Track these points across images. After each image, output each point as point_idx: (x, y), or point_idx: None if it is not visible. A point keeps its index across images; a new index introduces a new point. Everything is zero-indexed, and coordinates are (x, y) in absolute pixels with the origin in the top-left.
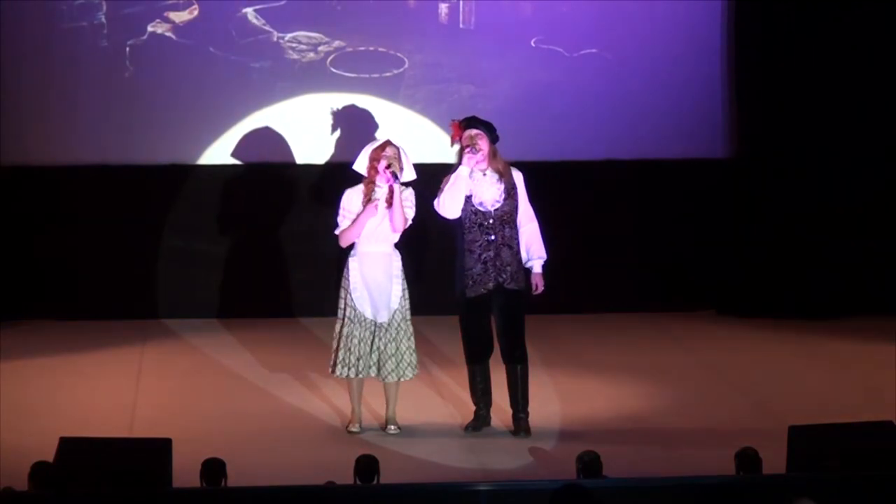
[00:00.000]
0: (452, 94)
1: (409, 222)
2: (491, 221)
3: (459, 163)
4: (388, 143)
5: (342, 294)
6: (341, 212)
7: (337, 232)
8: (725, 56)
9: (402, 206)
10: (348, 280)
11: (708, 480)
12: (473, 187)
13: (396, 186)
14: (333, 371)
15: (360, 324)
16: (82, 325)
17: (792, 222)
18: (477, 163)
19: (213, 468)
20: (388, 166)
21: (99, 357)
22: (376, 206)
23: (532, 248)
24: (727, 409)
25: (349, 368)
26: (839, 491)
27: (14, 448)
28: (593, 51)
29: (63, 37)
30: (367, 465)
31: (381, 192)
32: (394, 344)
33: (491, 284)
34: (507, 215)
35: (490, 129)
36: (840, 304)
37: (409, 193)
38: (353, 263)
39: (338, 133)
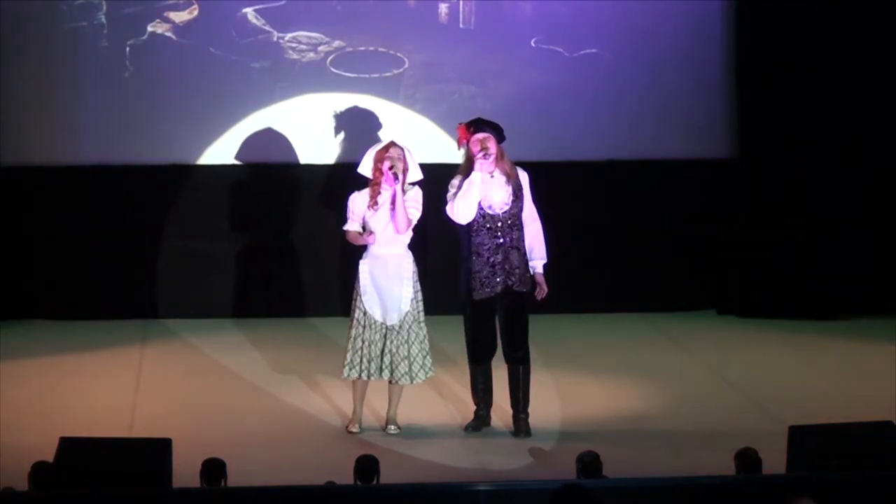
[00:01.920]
0: (452, 94)
1: (414, 222)
2: (500, 224)
3: (469, 168)
4: (392, 143)
5: (354, 296)
6: (348, 213)
7: (344, 229)
8: (725, 56)
9: (404, 208)
10: (359, 282)
11: (708, 480)
12: (483, 190)
13: (398, 188)
14: (342, 371)
15: (370, 326)
16: (82, 325)
17: (792, 222)
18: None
19: (213, 468)
20: (391, 167)
21: (99, 357)
22: (374, 237)
23: (534, 249)
24: (727, 409)
25: (359, 371)
26: (839, 491)
27: (14, 448)
28: (593, 51)
29: (63, 37)
30: (367, 465)
31: (386, 194)
32: (405, 347)
33: (499, 287)
34: (515, 217)
35: (497, 130)
36: (840, 305)
37: (416, 193)
38: (363, 266)
39: (338, 133)
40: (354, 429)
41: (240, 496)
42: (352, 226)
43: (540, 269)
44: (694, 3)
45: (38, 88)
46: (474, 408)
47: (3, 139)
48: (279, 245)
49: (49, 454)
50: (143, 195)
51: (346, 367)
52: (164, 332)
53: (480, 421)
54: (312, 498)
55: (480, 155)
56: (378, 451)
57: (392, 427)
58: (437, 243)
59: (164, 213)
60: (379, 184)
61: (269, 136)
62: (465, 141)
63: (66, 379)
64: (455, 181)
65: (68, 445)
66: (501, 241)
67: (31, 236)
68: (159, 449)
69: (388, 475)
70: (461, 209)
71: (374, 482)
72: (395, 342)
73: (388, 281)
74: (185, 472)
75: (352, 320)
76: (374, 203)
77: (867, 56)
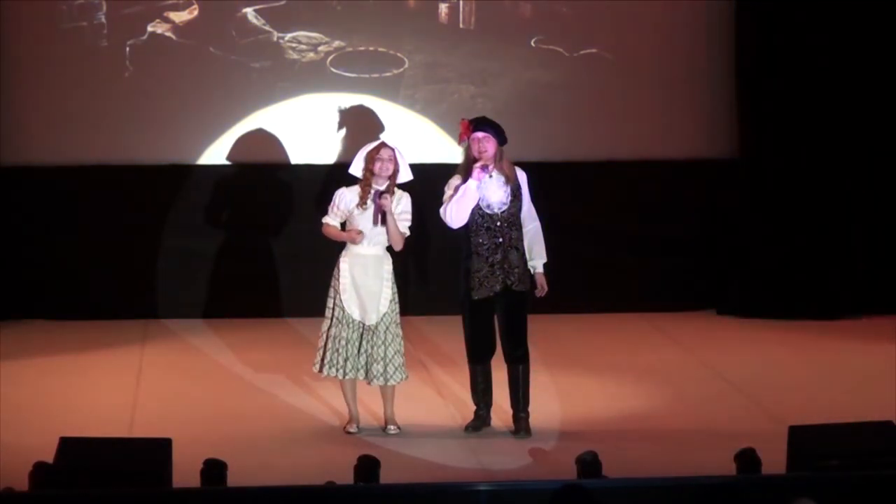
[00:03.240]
0: (452, 94)
1: (408, 233)
2: (498, 224)
3: (468, 168)
4: (382, 144)
5: (331, 293)
6: (331, 206)
7: (323, 221)
8: (725, 56)
9: (398, 229)
10: (338, 280)
11: (708, 480)
12: (481, 190)
13: (389, 216)
14: (320, 370)
15: (348, 325)
16: (82, 325)
17: (792, 222)
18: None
19: (214, 468)
20: (380, 195)
21: (99, 357)
22: (357, 238)
23: (534, 248)
24: (727, 409)
25: (336, 369)
26: (839, 491)
27: (14, 448)
28: (593, 51)
29: (63, 37)
30: (367, 465)
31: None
32: (382, 347)
33: (498, 287)
34: (513, 217)
35: (498, 131)
36: (840, 305)
37: (406, 202)
38: (343, 264)
39: (338, 133)
40: (352, 429)
41: (240, 496)
42: (332, 219)
43: (540, 269)
44: (694, 3)
45: (39, 88)
46: (474, 408)
47: (3, 139)
48: (279, 245)
49: (49, 454)
50: (143, 195)
51: (327, 366)
52: (164, 332)
53: (480, 421)
54: (312, 498)
55: (478, 168)
56: (378, 451)
57: (392, 427)
58: (437, 243)
59: (164, 213)
60: (369, 184)
61: (269, 136)
62: (465, 137)
63: (66, 379)
64: (453, 181)
65: (68, 445)
66: (500, 240)
67: (31, 236)
68: (159, 449)
69: (388, 475)
70: (454, 214)
71: (375, 482)
72: (371, 342)
73: (369, 280)
74: (185, 472)
75: (330, 318)
76: (363, 202)
77: (867, 55)
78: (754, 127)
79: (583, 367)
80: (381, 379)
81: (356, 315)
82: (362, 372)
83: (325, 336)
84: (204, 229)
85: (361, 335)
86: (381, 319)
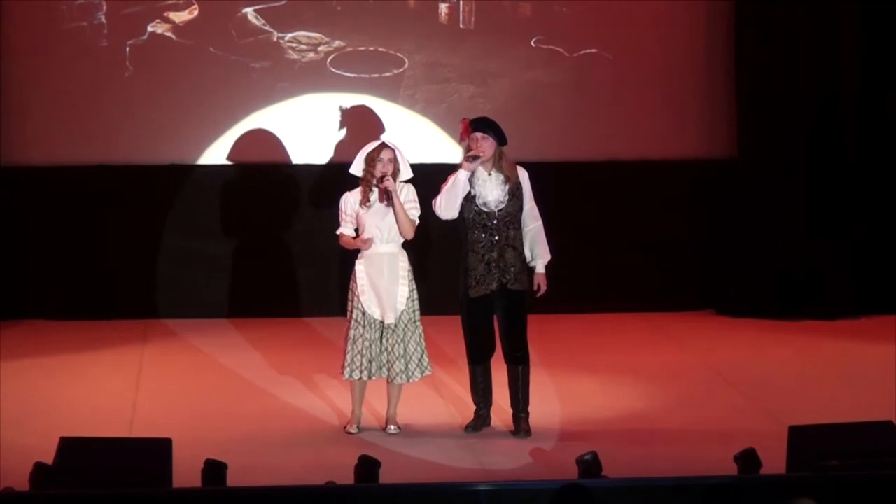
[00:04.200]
0: (452, 94)
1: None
2: (495, 222)
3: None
4: (383, 145)
5: (350, 297)
6: (340, 215)
7: (337, 232)
8: (725, 56)
9: (406, 215)
10: (356, 283)
11: (708, 480)
12: (478, 187)
13: (395, 198)
14: (343, 374)
15: (369, 326)
16: (82, 325)
17: (791, 222)
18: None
19: (214, 469)
20: (382, 179)
21: (99, 357)
22: (366, 245)
23: (536, 248)
24: (727, 409)
25: (361, 371)
26: (839, 491)
27: (14, 448)
28: (593, 51)
29: (63, 37)
30: (367, 466)
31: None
32: (401, 345)
33: (494, 285)
34: (511, 216)
35: (498, 132)
36: (840, 304)
37: (408, 192)
38: (359, 266)
39: (338, 133)
40: (352, 429)
41: (240, 496)
42: (346, 228)
43: (541, 269)
44: (694, 3)
45: (39, 88)
46: (474, 408)
47: (3, 139)
48: (279, 245)
49: (49, 454)
50: (143, 195)
51: (348, 369)
52: (164, 332)
53: (480, 421)
54: (312, 498)
55: (466, 158)
56: (378, 451)
57: (392, 427)
58: (437, 243)
59: (164, 213)
60: (370, 184)
61: (269, 136)
62: (465, 136)
63: (66, 379)
64: (451, 178)
65: (68, 445)
66: (496, 238)
67: (32, 236)
68: (159, 449)
69: (388, 475)
70: (444, 204)
71: (374, 482)
72: (390, 340)
73: (385, 279)
74: (185, 472)
75: (350, 321)
76: (365, 200)
77: (866, 55)
78: (754, 127)
79: (583, 367)
80: (403, 376)
81: (377, 315)
82: (385, 370)
83: (346, 340)
84: (204, 229)
85: (382, 334)
86: (400, 317)
